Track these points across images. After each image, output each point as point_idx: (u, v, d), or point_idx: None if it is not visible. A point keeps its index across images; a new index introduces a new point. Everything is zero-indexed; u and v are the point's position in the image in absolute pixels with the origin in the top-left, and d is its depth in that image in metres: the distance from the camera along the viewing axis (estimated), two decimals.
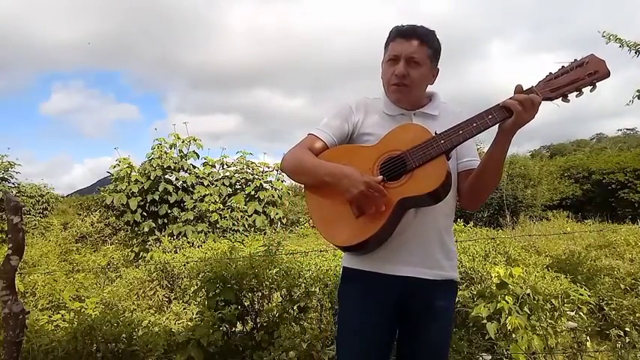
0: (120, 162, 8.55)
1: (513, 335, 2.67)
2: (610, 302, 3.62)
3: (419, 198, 1.31)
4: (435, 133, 1.35)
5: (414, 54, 1.42)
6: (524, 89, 1.29)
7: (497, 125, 1.32)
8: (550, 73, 1.29)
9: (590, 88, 1.25)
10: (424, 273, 1.41)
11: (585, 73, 1.23)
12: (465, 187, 1.47)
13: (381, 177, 1.32)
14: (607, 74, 1.23)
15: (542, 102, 1.28)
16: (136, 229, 8.23)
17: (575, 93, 1.26)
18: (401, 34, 1.45)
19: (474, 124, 1.31)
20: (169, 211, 8.18)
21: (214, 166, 9.22)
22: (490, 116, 1.30)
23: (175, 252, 6.30)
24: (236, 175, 9.10)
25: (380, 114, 1.51)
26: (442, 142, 1.31)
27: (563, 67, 1.27)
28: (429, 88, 1.54)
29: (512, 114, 1.27)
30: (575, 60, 1.26)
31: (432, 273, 1.42)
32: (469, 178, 1.46)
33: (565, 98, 1.27)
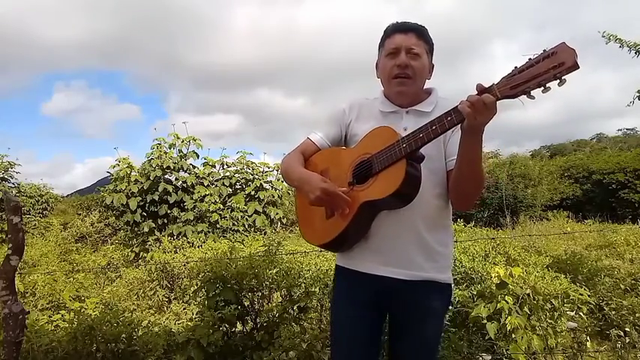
0: (120, 162, 8.55)
1: (513, 335, 2.67)
2: (610, 302, 3.62)
3: (382, 201, 1.34)
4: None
5: (413, 46, 1.46)
6: (485, 87, 1.20)
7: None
8: (515, 67, 1.16)
9: (557, 82, 1.10)
10: (399, 273, 1.42)
11: (549, 66, 1.08)
12: (449, 188, 1.46)
13: (344, 188, 1.40)
14: (574, 66, 1.06)
15: (503, 100, 1.18)
16: (136, 229, 8.23)
17: (540, 89, 1.12)
18: (398, 29, 1.49)
19: (434, 127, 1.28)
20: (169, 211, 8.18)
21: (214, 166, 9.21)
22: (449, 118, 1.26)
23: (175, 252, 6.30)
24: (236, 175, 9.09)
25: (375, 113, 1.53)
26: (404, 145, 1.31)
27: (529, 59, 1.13)
28: (427, 84, 1.55)
29: None
30: (544, 51, 1.11)
31: (408, 274, 1.42)
32: (450, 179, 1.45)
33: (529, 95, 1.14)
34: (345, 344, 1.50)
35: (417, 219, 1.42)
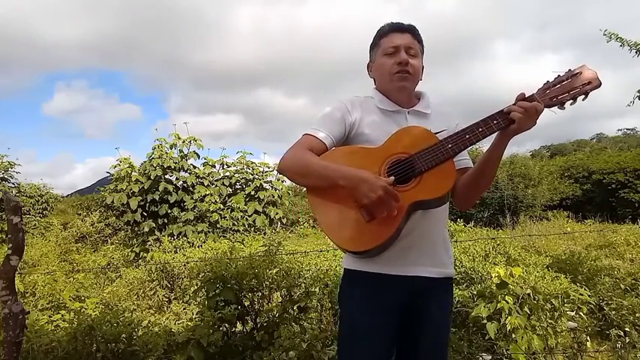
0: (120, 162, 8.55)
1: (513, 335, 2.67)
2: (610, 302, 3.61)
3: (432, 201, 1.35)
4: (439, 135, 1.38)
5: (411, 45, 1.49)
6: (526, 96, 1.33)
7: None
8: (547, 81, 1.34)
9: (583, 97, 1.32)
10: (431, 272, 1.45)
11: (580, 83, 1.30)
12: (458, 186, 1.47)
13: (392, 179, 1.30)
14: (599, 85, 1.30)
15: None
16: (136, 229, 8.23)
17: (570, 101, 1.32)
18: (394, 28, 1.51)
19: (480, 129, 1.34)
20: (169, 211, 8.18)
21: (214, 166, 9.22)
22: (495, 122, 1.33)
23: (175, 252, 6.30)
24: (236, 175, 9.10)
25: (375, 112, 1.51)
26: (450, 146, 1.34)
27: (559, 75, 1.34)
28: (418, 87, 1.57)
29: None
30: (569, 70, 1.33)
31: (437, 271, 1.46)
32: (463, 178, 1.47)
33: (562, 106, 1.33)
34: (365, 350, 1.42)
35: (442, 217, 1.48)
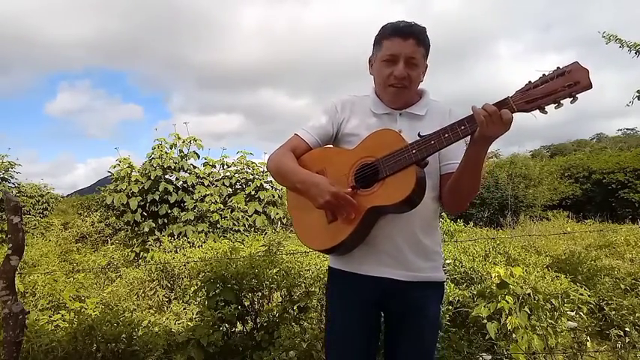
0: (120, 162, 8.55)
1: (513, 335, 2.67)
2: (610, 302, 3.62)
3: (391, 206, 1.33)
4: (417, 138, 1.33)
5: (413, 54, 1.41)
6: (499, 100, 1.22)
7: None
8: (530, 81, 1.20)
9: (570, 100, 1.16)
10: (398, 274, 1.43)
11: (565, 84, 1.14)
12: (444, 190, 1.46)
13: (350, 189, 1.35)
14: (588, 86, 1.13)
15: (517, 113, 1.21)
16: (136, 229, 8.22)
17: (553, 105, 1.17)
18: (398, 32, 1.42)
19: (446, 135, 1.28)
20: (169, 211, 8.18)
21: (215, 166, 9.22)
22: (462, 127, 1.26)
23: (175, 252, 6.30)
24: (236, 175, 9.10)
25: (366, 113, 1.50)
26: (414, 152, 1.30)
27: (543, 75, 1.18)
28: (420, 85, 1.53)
29: None
30: (557, 68, 1.17)
31: (407, 274, 1.44)
32: (447, 184, 1.44)
33: (542, 110, 1.18)
34: (341, 347, 1.48)
35: (414, 221, 1.43)
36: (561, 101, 1.16)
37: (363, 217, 1.34)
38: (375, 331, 1.51)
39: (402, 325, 1.48)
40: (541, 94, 1.17)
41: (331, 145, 1.55)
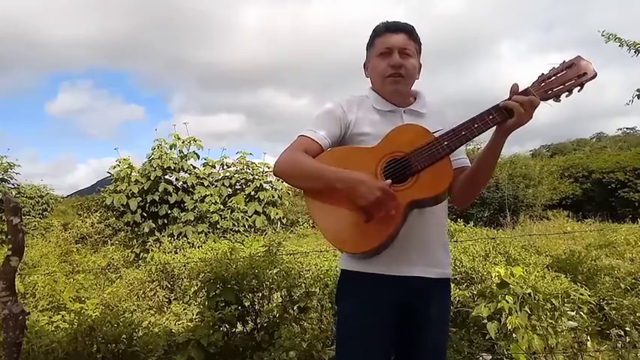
0: (120, 162, 8.55)
1: (514, 335, 2.67)
2: (610, 302, 3.61)
3: (428, 200, 1.33)
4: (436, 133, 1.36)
5: (406, 46, 1.46)
6: (521, 90, 1.31)
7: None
8: (542, 74, 1.33)
9: (578, 88, 1.30)
10: (429, 272, 1.43)
11: (575, 75, 1.29)
12: (456, 185, 1.46)
13: (390, 181, 1.30)
14: (594, 75, 1.29)
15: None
16: (136, 229, 8.23)
17: (566, 93, 1.31)
18: (389, 28, 1.48)
19: (476, 125, 1.31)
20: (169, 212, 8.18)
21: (214, 167, 9.22)
22: (491, 117, 1.30)
23: (175, 252, 6.30)
24: (236, 175, 9.10)
25: (371, 112, 1.50)
26: (446, 143, 1.32)
27: (553, 67, 1.32)
28: (415, 86, 1.55)
29: (512, 115, 1.28)
30: (564, 61, 1.32)
31: (435, 271, 1.44)
32: (461, 177, 1.45)
33: (557, 98, 1.32)
34: (363, 350, 1.41)
35: (437, 216, 1.45)
36: (573, 90, 1.30)
37: (403, 213, 1.30)
38: (396, 333, 1.47)
39: (425, 322, 1.46)
40: (558, 83, 1.30)
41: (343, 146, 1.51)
